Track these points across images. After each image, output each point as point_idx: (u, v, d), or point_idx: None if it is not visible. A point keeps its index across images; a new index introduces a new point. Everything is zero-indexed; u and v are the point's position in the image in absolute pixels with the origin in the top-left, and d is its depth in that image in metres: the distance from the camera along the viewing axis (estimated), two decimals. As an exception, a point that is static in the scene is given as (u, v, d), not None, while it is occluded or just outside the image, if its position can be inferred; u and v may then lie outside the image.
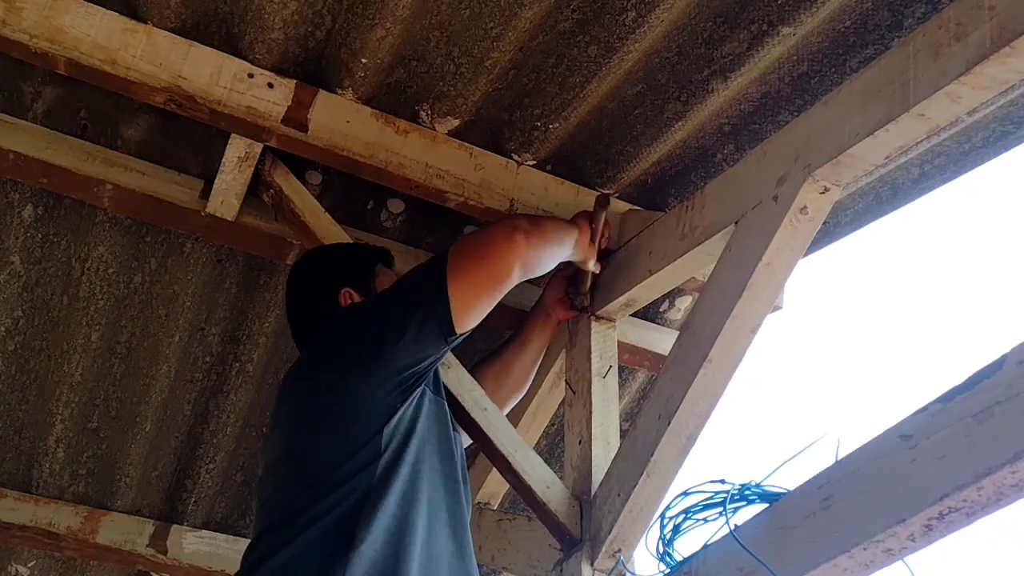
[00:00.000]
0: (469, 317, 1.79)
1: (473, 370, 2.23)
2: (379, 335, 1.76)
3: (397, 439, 1.73)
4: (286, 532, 1.66)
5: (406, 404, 1.77)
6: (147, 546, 3.08)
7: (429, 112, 2.28)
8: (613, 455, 2.14)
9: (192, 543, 3.10)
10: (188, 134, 2.31)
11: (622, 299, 2.31)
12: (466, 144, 2.34)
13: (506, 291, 1.89)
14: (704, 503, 1.84)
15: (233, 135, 2.22)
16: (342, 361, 1.80)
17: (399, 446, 1.73)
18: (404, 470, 1.71)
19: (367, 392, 1.74)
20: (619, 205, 2.44)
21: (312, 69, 2.21)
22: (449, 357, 2.32)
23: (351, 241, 2.30)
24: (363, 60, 2.14)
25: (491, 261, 1.80)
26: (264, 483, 1.87)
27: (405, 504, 1.69)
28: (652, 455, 1.93)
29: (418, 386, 1.79)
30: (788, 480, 1.73)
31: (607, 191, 2.44)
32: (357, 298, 2.06)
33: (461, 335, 1.81)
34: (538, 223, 1.99)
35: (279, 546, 1.65)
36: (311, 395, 1.84)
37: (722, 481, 1.83)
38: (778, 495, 1.72)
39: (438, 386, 1.93)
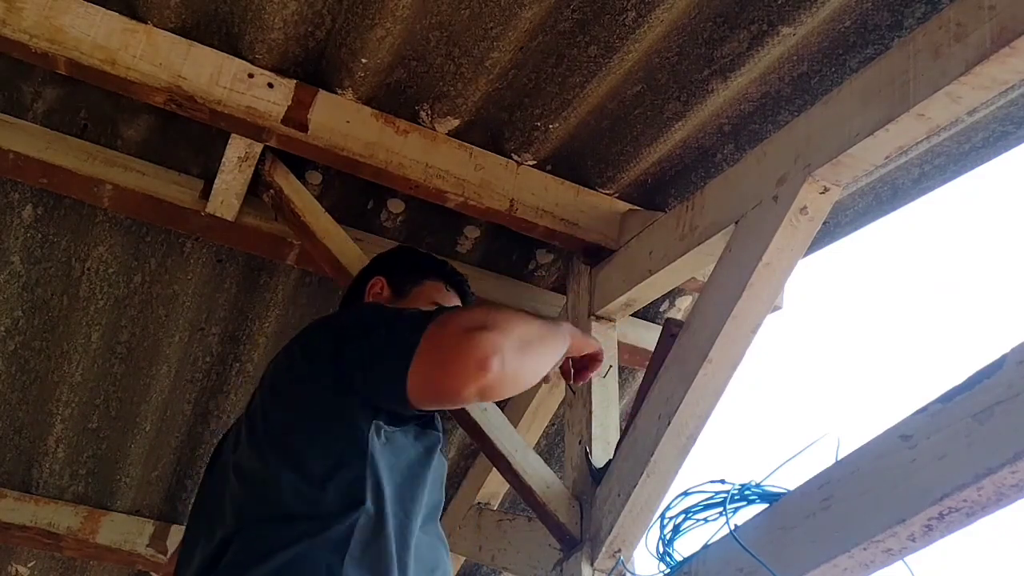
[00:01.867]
0: (423, 407, 1.56)
1: None
2: (350, 368, 1.58)
3: (375, 477, 1.56)
4: (262, 544, 1.50)
5: (384, 440, 1.59)
6: (147, 546, 3.09)
7: (429, 112, 2.28)
8: (613, 455, 2.14)
9: (192, 543, 3.09)
10: (188, 134, 2.31)
11: (622, 299, 2.31)
12: (466, 144, 2.34)
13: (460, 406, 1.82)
14: (704, 503, 1.84)
15: (233, 135, 2.22)
16: (322, 367, 1.62)
17: (378, 484, 1.56)
18: (389, 517, 1.54)
19: (339, 413, 1.58)
20: (619, 205, 2.44)
21: (312, 69, 2.21)
22: None
23: (351, 241, 2.30)
24: (363, 60, 2.14)
25: (450, 377, 1.50)
26: (229, 470, 1.68)
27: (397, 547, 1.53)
28: (652, 455, 1.94)
29: (399, 426, 1.63)
30: (788, 480, 1.73)
31: (607, 191, 2.44)
32: (386, 291, 1.99)
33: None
34: (529, 345, 1.59)
35: (259, 558, 1.48)
36: (294, 382, 1.66)
37: (722, 481, 1.83)
38: (778, 495, 1.72)
39: (432, 419, 1.73)
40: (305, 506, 1.52)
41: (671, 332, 2.09)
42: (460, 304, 2.07)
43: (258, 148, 2.25)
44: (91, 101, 2.27)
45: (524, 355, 1.56)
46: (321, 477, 1.53)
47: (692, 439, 1.94)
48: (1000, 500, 1.31)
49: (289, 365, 1.68)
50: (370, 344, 1.59)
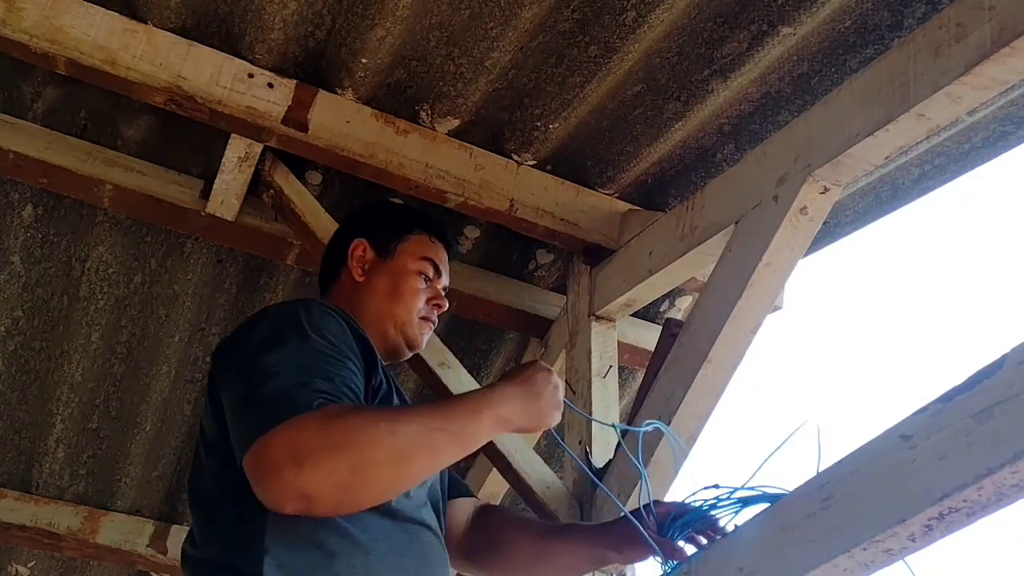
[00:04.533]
0: None
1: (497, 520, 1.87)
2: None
3: None
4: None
5: None
6: (147, 546, 3.09)
7: (429, 112, 2.28)
8: (613, 455, 2.14)
9: (192, 543, 3.10)
10: (188, 134, 2.31)
11: (622, 299, 2.31)
12: (466, 144, 2.34)
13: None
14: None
15: (233, 135, 2.22)
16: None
17: None
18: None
19: None
20: (619, 205, 2.44)
21: (312, 69, 2.21)
22: (448, 356, 2.32)
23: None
24: (363, 60, 2.14)
25: (266, 497, 1.30)
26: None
27: None
28: (652, 455, 1.93)
29: None
30: (777, 477, 1.73)
31: (607, 191, 2.44)
32: (370, 253, 1.83)
33: None
34: (372, 467, 1.30)
35: None
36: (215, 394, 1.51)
37: (716, 486, 1.81)
38: (776, 496, 1.72)
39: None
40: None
41: (671, 332, 2.08)
42: (444, 256, 1.90)
43: (258, 148, 2.25)
44: (91, 101, 2.27)
45: (356, 489, 1.30)
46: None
47: (692, 439, 1.94)
48: (1000, 500, 1.31)
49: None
50: (240, 392, 1.43)
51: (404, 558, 1.48)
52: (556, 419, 1.54)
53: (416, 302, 1.82)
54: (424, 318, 1.83)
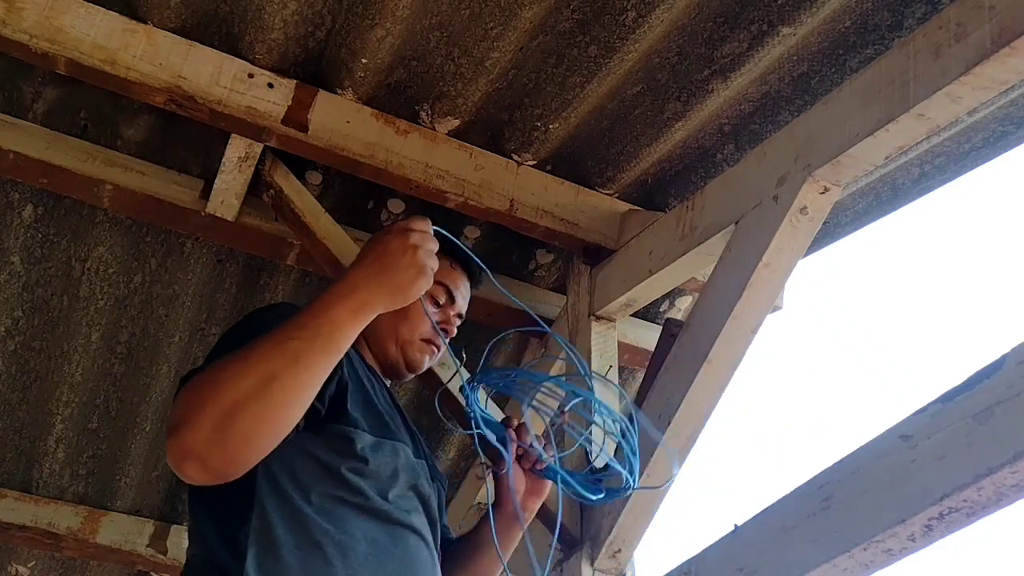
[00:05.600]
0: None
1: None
2: None
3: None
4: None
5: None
6: (147, 546, 3.09)
7: (429, 112, 2.28)
8: (613, 455, 2.13)
9: (192, 543, 3.10)
10: (188, 134, 2.31)
11: (622, 299, 2.31)
12: (466, 144, 2.34)
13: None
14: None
15: (233, 135, 2.22)
16: None
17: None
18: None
19: None
20: (619, 205, 2.44)
21: (312, 69, 2.21)
22: (446, 357, 2.31)
23: (351, 241, 2.30)
24: (363, 60, 2.14)
25: (169, 452, 1.30)
26: None
27: None
28: (652, 455, 1.93)
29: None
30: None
31: (607, 191, 2.44)
32: None
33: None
34: (237, 411, 1.25)
35: None
36: None
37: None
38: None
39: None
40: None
41: (671, 332, 2.09)
42: (462, 284, 1.93)
43: (258, 148, 2.25)
44: (91, 101, 2.27)
45: (234, 428, 1.26)
46: None
47: (692, 439, 1.94)
48: (1000, 500, 1.31)
49: None
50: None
51: (386, 560, 1.47)
52: (424, 284, 1.40)
53: (422, 324, 1.82)
54: (427, 341, 1.82)
